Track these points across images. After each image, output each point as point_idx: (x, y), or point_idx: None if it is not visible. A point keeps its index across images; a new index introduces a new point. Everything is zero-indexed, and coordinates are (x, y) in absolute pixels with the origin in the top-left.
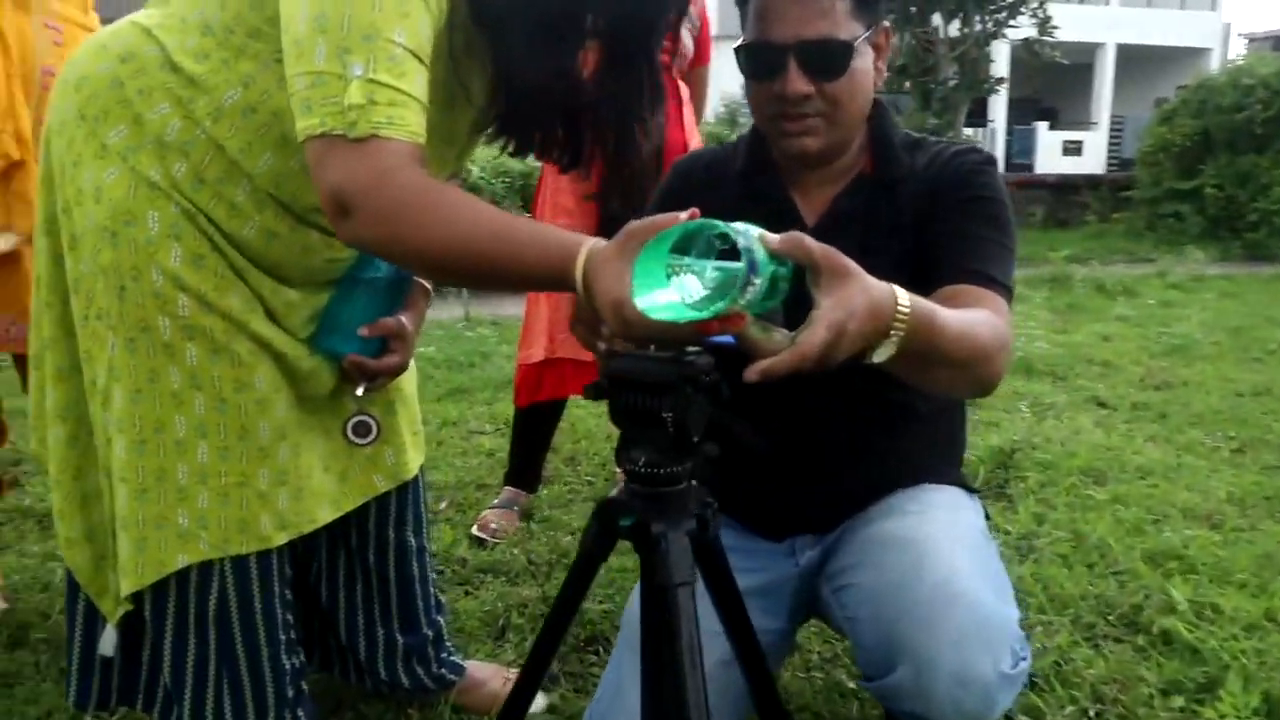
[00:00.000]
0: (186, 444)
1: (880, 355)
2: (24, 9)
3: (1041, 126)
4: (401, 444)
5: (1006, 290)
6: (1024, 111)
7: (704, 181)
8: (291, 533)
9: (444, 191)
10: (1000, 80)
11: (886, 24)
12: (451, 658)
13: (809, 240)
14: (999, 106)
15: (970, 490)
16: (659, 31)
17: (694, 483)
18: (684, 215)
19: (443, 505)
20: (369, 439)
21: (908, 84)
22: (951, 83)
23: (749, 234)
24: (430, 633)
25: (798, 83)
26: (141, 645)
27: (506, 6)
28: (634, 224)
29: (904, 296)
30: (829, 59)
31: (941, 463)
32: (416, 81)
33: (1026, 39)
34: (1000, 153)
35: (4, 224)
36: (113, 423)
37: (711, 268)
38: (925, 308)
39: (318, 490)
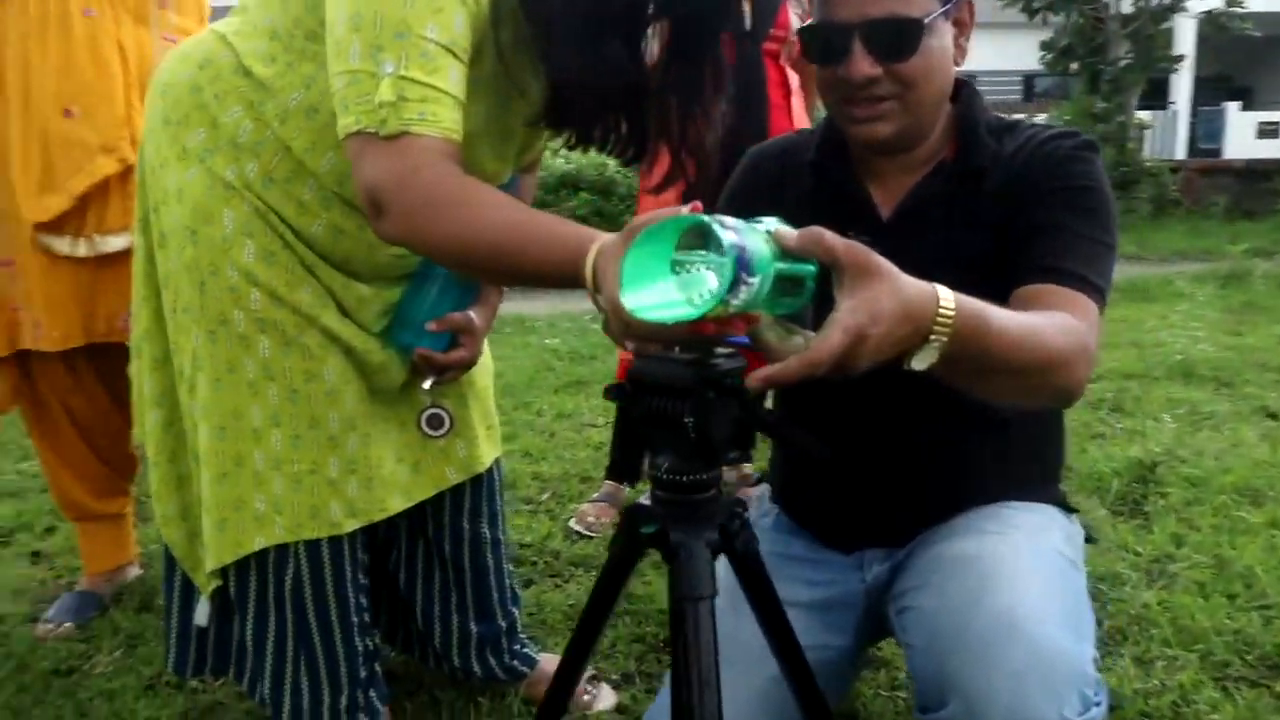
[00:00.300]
0: (262, 432)
1: (921, 362)
2: (143, 22)
3: (1232, 107)
4: (474, 437)
5: (1097, 291)
6: (1212, 91)
7: (774, 173)
8: (361, 520)
9: (467, 188)
10: (1179, 58)
11: None
12: (524, 650)
13: (829, 237)
14: (1182, 87)
15: (1068, 510)
16: (723, 18)
17: (722, 491)
18: (685, 209)
19: (544, 496)
20: (442, 431)
21: (1074, 65)
22: (1123, 62)
23: (746, 230)
24: (504, 624)
25: (862, 65)
26: (233, 619)
27: (556, 2)
28: (639, 219)
29: (948, 298)
30: (897, 38)
31: (1031, 477)
32: (450, 77)
33: (1211, 11)
34: (1182, 137)
35: (123, 224)
36: (197, 410)
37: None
38: (975, 310)
39: (389, 480)
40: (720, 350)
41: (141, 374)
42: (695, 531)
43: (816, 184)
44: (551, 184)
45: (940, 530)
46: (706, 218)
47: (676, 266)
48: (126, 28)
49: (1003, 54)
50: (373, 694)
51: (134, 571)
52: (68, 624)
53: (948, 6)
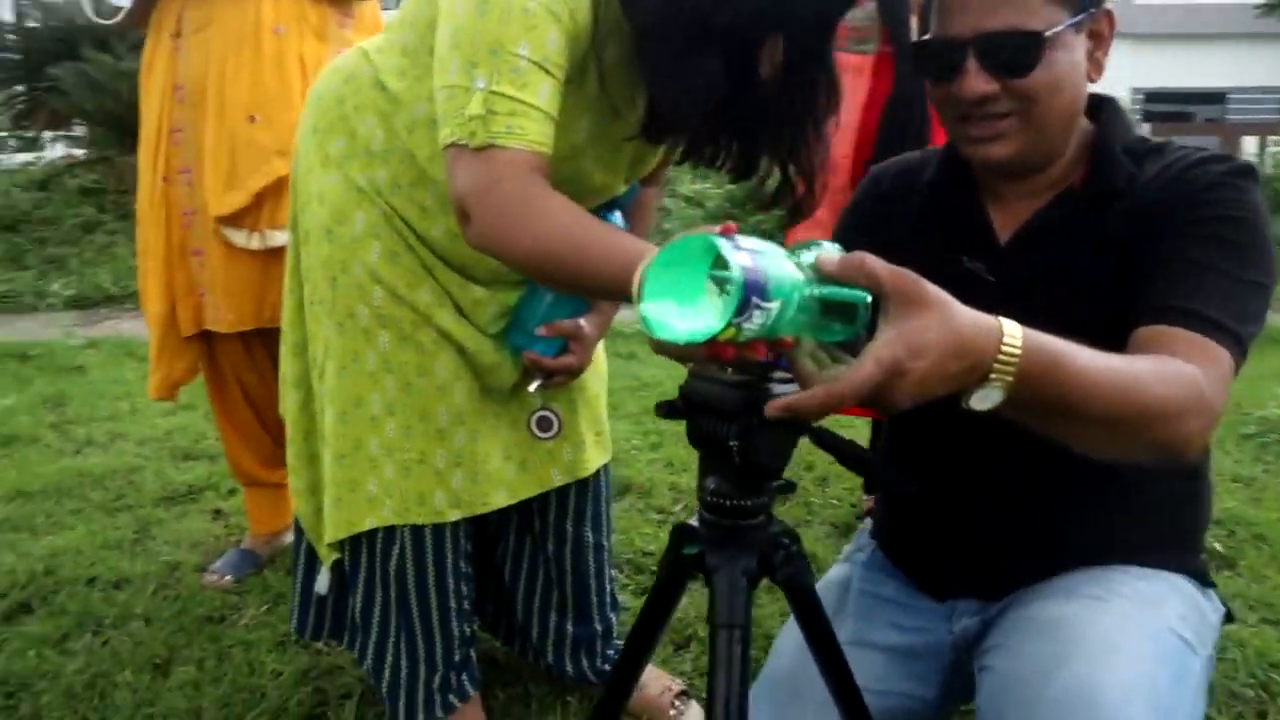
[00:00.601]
0: (378, 419)
1: (982, 402)
2: (324, 39)
3: None
4: (581, 442)
5: (1231, 337)
6: None
7: (890, 192)
8: (464, 511)
9: (539, 199)
10: None
11: (1108, 7)
12: (617, 655)
13: (872, 262)
14: None
15: (1204, 582)
16: (834, 31)
17: (770, 519)
18: (718, 227)
19: (678, 507)
20: (550, 434)
21: None
22: None
23: (768, 254)
24: (600, 628)
25: (976, 82)
26: (348, 591)
27: (655, 14)
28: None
29: (1014, 334)
30: (1016, 52)
31: (1160, 540)
32: (541, 92)
33: None
34: None
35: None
36: (325, 394)
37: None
38: (1050, 350)
39: (494, 476)
40: (777, 375)
41: (285, 358)
42: (734, 558)
43: (931, 205)
44: None
45: (1038, 588)
46: (718, 238)
47: (715, 285)
48: (309, 43)
49: (1258, 68)
50: (465, 677)
51: (290, 537)
52: (228, 577)
53: (1079, 18)
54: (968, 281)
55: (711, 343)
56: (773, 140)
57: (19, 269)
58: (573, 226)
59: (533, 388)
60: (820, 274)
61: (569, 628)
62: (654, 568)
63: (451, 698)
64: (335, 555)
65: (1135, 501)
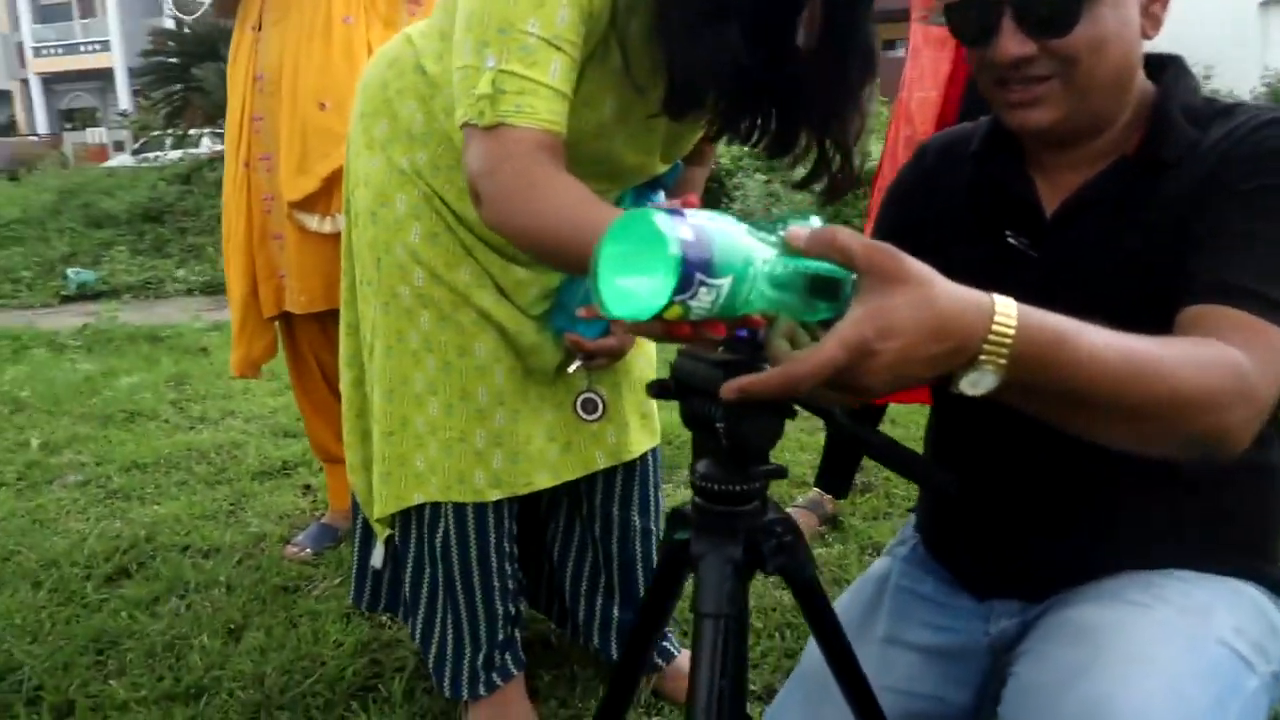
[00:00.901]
0: (422, 398)
1: (974, 386)
2: (392, 26)
3: None
4: (626, 424)
5: None
6: None
7: (935, 166)
8: (505, 491)
9: (542, 179)
10: None
11: None
12: (664, 643)
13: (844, 236)
14: None
15: (1277, 591)
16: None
17: (761, 505)
18: (678, 201)
19: None
20: (595, 415)
21: None
22: None
23: (717, 230)
24: None
25: (1010, 43)
26: (401, 566)
27: None
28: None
29: (1008, 313)
30: (1054, 10)
31: (1223, 543)
32: (551, 69)
33: None
34: None
35: None
36: (374, 372)
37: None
38: (1051, 330)
39: (536, 456)
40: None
41: (341, 337)
42: (720, 545)
43: (976, 177)
44: None
45: (1081, 591)
46: (654, 211)
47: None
48: (376, 31)
49: None
50: (508, 656)
51: None
52: (307, 550)
53: None
54: (1010, 258)
55: (664, 322)
56: (810, 114)
57: (161, 257)
58: (574, 206)
59: (572, 369)
60: (790, 249)
61: (615, 612)
62: None
63: (494, 676)
64: (388, 530)
65: (1197, 500)
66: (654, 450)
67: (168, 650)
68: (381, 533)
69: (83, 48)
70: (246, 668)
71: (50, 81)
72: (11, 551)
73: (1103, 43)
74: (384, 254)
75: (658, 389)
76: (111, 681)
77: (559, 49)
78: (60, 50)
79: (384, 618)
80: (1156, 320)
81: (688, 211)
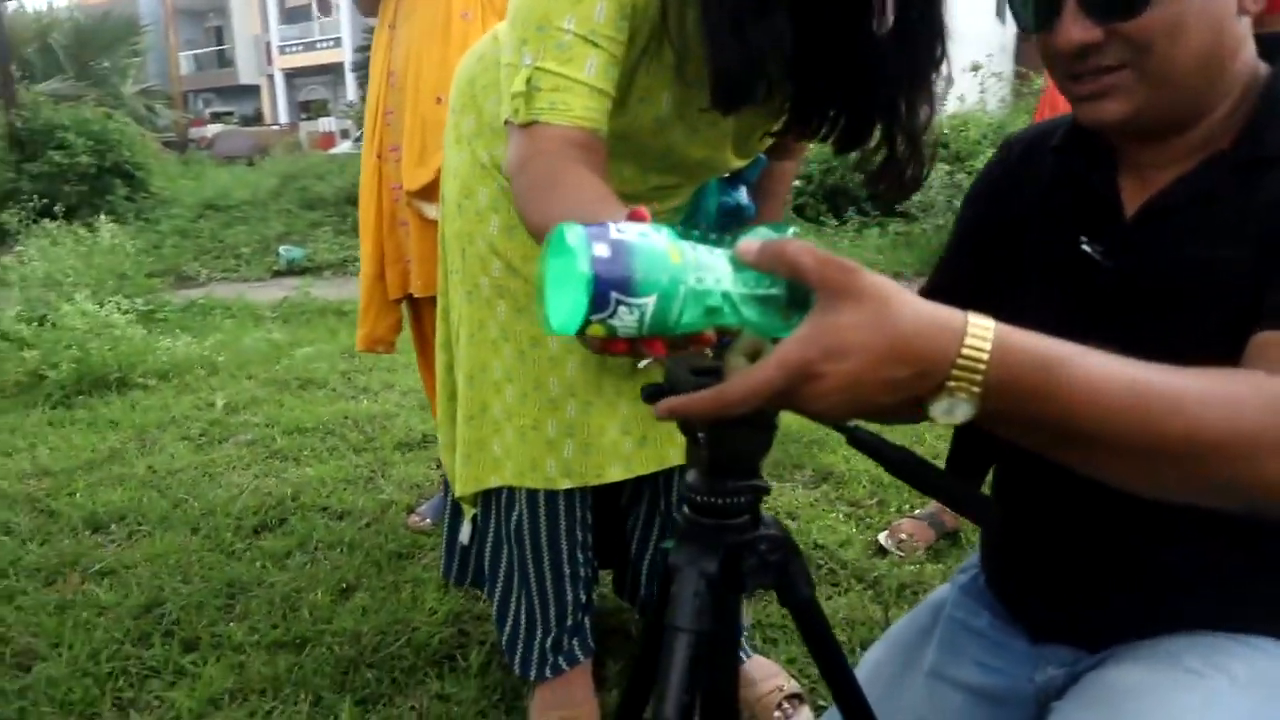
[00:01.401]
0: (499, 385)
1: (948, 415)
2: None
3: None
4: None
5: None
6: None
7: (1019, 161)
8: (576, 481)
9: (561, 178)
10: None
11: None
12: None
13: (794, 250)
14: None
15: None
16: None
17: (752, 520)
18: (643, 211)
19: (872, 501)
20: None
21: None
22: None
23: (643, 246)
24: None
25: (1073, 28)
26: (481, 544)
27: None
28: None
29: (981, 335)
30: None
31: None
32: (587, 65)
33: None
34: None
35: None
36: (460, 358)
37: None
38: (1036, 356)
39: (609, 449)
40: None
41: (437, 322)
42: (696, 558)
43: (1057, 175)
44: None
45: (1138, 648)
46: (570, 229)
47: None
48: (492, 25)
49: None
50: (576, 642)
51: None
52: (428, 520)
53: None
54: (1082, 265)
55: (599, 338)
56: (880, 103)
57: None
58: (586, 206)
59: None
60: (742, 263)
61: None
62: (820, 561)
63: (561, 660)
64: (473, 509)
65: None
66: None
67: (284, 601)
68: (468, 511)
69: (319, 44)
70: (348, 625)
71: (291, 76)
72: (180, 500)
73: (1181, 25)
74: (467, 245)
75: (651, 393)
76: (233, 624)
77: (596, 45)
78: (300, 47)
79: (478, 591)
80: (1241, 347)
81: (621, 226)
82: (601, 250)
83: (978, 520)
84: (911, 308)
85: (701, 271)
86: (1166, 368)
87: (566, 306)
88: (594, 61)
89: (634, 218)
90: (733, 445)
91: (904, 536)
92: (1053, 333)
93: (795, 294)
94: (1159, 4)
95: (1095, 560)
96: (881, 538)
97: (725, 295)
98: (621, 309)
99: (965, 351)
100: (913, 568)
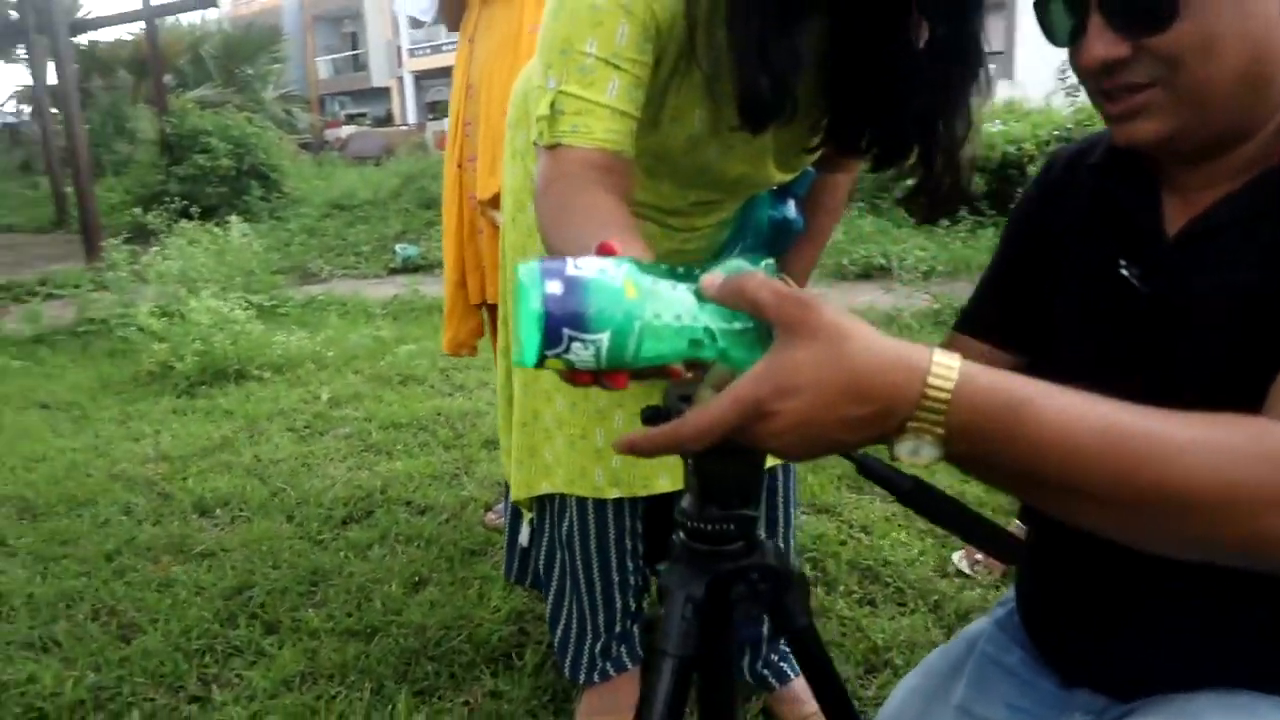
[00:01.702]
0: (550, 394)
1: (913, 455)
2: None
3: None
4: None
5: None
6: None
7: (1060, 179)
8: (624, 491)
9: (577, 203)
10: None
11: None
12: (781, 663)
13: (755, 286)
14: None
15: None
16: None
17: (746, 548)
18: (613, 244)
19: None
20: None
21: None
22: None
23: (599, 283)
24: (766, 631)
25: (1098, 44)
26: (537, 549)
27: None
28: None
29: (944, 375)
30: (1146, 2)
31: None
32: (609, 88)
33: None
34: None
35: None
36: (516, 367)
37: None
38: (1001, 395)
39: (657, 461)
40: None
41: (499, 329)
42: (684, 582)
43: (1096, 194)
44: None
45: (1166, 701)
46: (524, 266)
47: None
48: (525, 36)
49: None
50: (624, 650)
51: None
52: (503, 519)
53: None
54: (1118, 292)
55: (564, 371)
56: (915, 119)
57: None
58: (591, 233)
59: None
60: (706, 299)
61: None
62: (887, 579)
63: (608, 666)
64: (530, 513)
65: None
66: (786, 468)
67: (360, 591)
68: (526, 515)
69: (445, 47)
70: (415, 618)
71: (420, 78)
72: (279, 489)
73: (1213, 40)
74: (519, 257)
75: (649, 416)
76: (312, 610)
77: (618, 68)
78: (428, 50)
79: (539, 592)
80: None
81: (579, 262)
82: (554, 288)
83: (998, 557)
84: (870, 344)
85: (659, 306)
86: (1152, 410)
87: (524, 340)
88: (616, 84)
89: (602, 251)
90: (718, 473)
91: (979, 558)
92: (1090, 358)
93: (764, 328)
94: (1188, 17)
95: (1128, 605)
96: (956, 558)
97: (706, 329)
98: (575, 345)
99: (927, 391)
100: (978, 592)
